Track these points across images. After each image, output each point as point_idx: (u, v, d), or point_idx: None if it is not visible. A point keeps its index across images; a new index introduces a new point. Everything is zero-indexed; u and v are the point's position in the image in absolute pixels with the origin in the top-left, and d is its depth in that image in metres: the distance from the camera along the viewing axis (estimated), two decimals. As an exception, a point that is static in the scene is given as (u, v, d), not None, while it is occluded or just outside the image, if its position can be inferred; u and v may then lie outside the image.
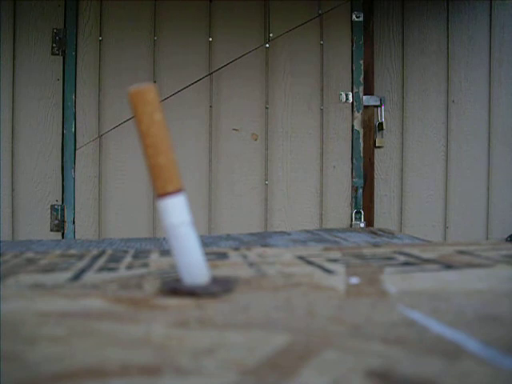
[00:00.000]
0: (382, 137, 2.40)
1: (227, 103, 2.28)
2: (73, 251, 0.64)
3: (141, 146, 0.38)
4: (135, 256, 0.58)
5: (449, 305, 0.34)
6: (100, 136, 2.22)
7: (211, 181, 2.28)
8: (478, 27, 2.48)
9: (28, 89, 2.19)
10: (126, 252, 0.62)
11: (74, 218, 2.20)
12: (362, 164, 2.34)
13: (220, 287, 0.38)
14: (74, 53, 2.20)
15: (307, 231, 1.05)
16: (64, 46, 2.20)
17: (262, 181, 2.31)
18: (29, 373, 0.22)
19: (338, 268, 0.48)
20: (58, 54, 2.21)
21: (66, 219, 2.20)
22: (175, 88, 2.24)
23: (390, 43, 2.44)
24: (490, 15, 2.49)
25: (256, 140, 2.30)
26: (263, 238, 0.93)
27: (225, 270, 0.48)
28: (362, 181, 2.34)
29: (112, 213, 2.23)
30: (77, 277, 0.45)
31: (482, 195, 2.49)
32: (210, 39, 2.28)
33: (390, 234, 0.98)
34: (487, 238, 2.47)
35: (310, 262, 0.51)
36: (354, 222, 2.32)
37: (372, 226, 2.32)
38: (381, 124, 2.36)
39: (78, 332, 0.29)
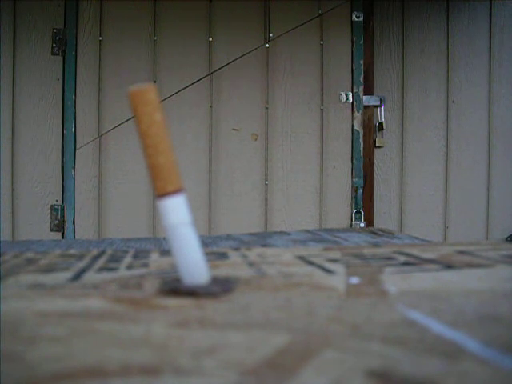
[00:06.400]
0: (382, 137, 2.40)
1: (227, 103, 2.29)
2: (73, 251, 0.64)
3: (141, 146, 0.38)
4: (135, 256, 0.58)
5: (449, 305, 0.34)
6: (100, 136, 2.22)
7: (211, 181, 2.28)
8: (478, 27, 2.48)
9: (28, 89, 2.19)
10: (126, 252, 0.62)
11: (74, 218, 2.20)
12: (361, 164, 2.34)
13: (220, 287, 0.38)
14: (73, 53, 2.20)
15: (307, 231, 1.05)
16: (64, 45, 2.20)
17: (262, 181, 2.31)
18: (29, 373, 0.22)
19: (338, 268, 0.48)
20: (58, 54, 2.21)
21: (66, 219, 2.20)
22: (175, 88, 2.24)
23: (389, 43, 2.44)
24: (490, 15, 2.49)
25: (256, 140, 2.30)
26: (263, 238, 0.93)
27: (225, 270, 0.48)
28: (361, 181, 2.34)
29: (112, 213, 2.23)
30: (77, 277, 0.45)
31: (482, 195, 2.49)
32: (210, 39, 2.28)
33: (389, 234, 0.98)
34: (487, 238, 2.47)
35: (310, 262, 0.51)
36: (354, 222, 2.32)
37: (372, 226, 2.32)
38: (381, 124, 2.36)
39: (78, 332, 0.29)
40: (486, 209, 2.49)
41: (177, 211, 0.38)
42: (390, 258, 0.53)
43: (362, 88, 2.32)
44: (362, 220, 2.33)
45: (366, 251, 0.59)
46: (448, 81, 2.46)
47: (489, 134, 2.49)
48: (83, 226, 2.21)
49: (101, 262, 0.54)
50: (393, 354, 0.24)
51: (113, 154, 2.23)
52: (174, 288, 0.38)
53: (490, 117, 2.49)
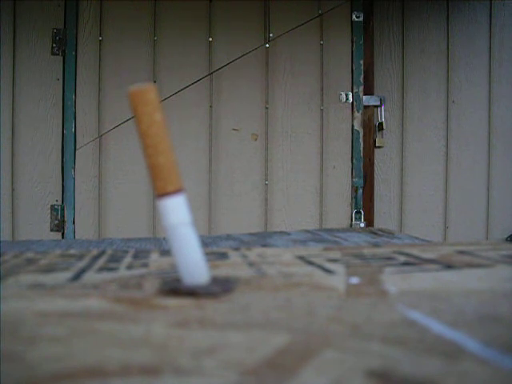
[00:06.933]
0: (382, 137, 2.40)
1: (227, 103, 2.29)
2: (73, 251, 0.64)
3: (141, 146, 0.38)
4: (135, 256, 0.58)
5: (449, 305, 0.34)
6: (100, 136, 2.22)
7: (211, 181, 2.28)
8: (478, 27, 2.48)
9: (28, 89, 2.19)
10: (126, 252, 0.62)
11: (74, 218, 2.20)
12: (361, 164, 2.34)
13: (220, 287, 0.38)
14: (73, 53, 2.20)
15: (307, 231, 1.05)
16: (64, 45, 2.20)
17: (262, 181, 2.31)
18: (29, 373, 0.22)
19: (338, 268, 0.48)
20: (58, 54, 2.21)
21: (66, 219, 2.20)
22: (175, 88, 2.24)
23: (389, 43, 2.44)
24: (490, 15, 2.49)
25: (256, 140, 2.30)
26: (263, 238, 0.93)
27: (225, 270, 0.48)
28: (361, 181, 2.34)
29: (112, 213, 2.23)
30: (77, 277, 0.45)
31: (482, 195, 2.49)
32: (210, 39, 2.28)
33: (389, 234, 0.98)
34: (487, 238, 2.47)
35: (310, 262, 0.51)
36: (354, 222, 2.32)
37: (372, 226, 2.32)
38: (381, 124, 2.36)
39: (78, 332, 0.29)
40: (486, 209, 2.49)
41: (177, 211, 0.38)
42: (390, 258, 0.53)
43: (361, 88, 2.32)
44: (362, 220, 2.33)
45: (366, 251, 0.59)
46: (448, 81, 2.46)
47: (489, 134, 2.49)
48: (83, 226, 2.21)
49: (101, 261, 0.54)
50: (393, 354, 0.24)
51: (113, 154, 2.23)
52: (174, 288, 0.38)
53: (490, 117, 2.49)
